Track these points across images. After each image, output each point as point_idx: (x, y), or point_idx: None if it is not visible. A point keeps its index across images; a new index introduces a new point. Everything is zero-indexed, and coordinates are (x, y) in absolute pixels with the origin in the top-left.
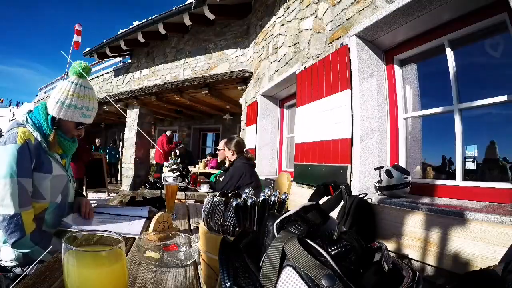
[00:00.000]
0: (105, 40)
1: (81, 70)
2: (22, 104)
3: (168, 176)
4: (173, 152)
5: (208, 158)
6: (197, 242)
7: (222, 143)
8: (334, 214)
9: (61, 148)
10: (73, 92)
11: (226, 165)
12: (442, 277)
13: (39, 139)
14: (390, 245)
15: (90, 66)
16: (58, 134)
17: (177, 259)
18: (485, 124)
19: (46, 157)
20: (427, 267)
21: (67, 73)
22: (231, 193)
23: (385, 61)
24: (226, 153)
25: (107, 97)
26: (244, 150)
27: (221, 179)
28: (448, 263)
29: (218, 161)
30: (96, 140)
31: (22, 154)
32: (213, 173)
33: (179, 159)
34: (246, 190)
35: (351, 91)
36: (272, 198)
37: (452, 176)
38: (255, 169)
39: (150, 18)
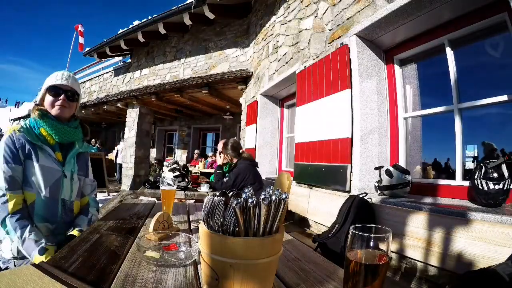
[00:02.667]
0: (105, 40)
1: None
2: (22, 103)
3: (167, 178)
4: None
5: (214, 158)
6: (197, 242)
7: (221, 145)
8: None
9: (55, 135)
10: (47, 78)
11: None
12: (444, 277)
13: (24, 131)
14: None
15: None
16: (45, 120)
17: (177, 259)
18: (485, 124)
19: (32, 147)
20: (429, 267)
21: None
22: (231, 193)
23: (385, 61)
24: (228, 158)
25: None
26: (241, 151)
27: (225, 179)
28: (450, 263)
29: (219, 163)
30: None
31: (10, 144)
32: (213, 173)
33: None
34: (246, 190)
35: (351, 90)
36: (273, 197)
37: (452, 176)
38: (258, 169)
39: (150, 17)
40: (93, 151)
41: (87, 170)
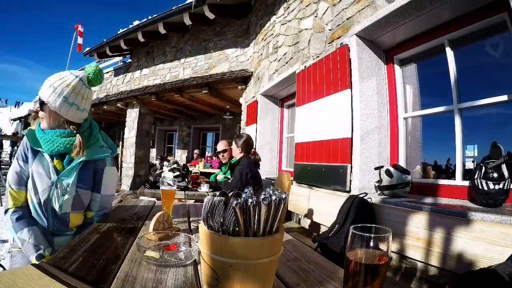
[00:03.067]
0: (105, 40)
1: (93, 73)
2: (22, 103)
3: (167, 178)
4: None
5: (214, 158)
6: (197, 242)
7: (222, 144)
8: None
9: (44, 144)
10: (71, 84)
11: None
12: (444, 277)
13: (27, 135)
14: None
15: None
16: (38, 128)
17: (177, 259)
18: (485, 124)
19: (34, 150)
20: (429, 267)
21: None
22: (231, 193)
23: (385, 61)
24: (233, 149)
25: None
26: (252, 150)
27: (221, 179)
28: (450, 263)
29: (223, 161)
30: None
31: (24, 142)
32: (213, 173)
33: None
34: (246, 190)
35: (351, 90)
36: (273, 197)
37: (452, 176)
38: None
39: (150, 17)
40: (107, 156)
41: (92, 182)
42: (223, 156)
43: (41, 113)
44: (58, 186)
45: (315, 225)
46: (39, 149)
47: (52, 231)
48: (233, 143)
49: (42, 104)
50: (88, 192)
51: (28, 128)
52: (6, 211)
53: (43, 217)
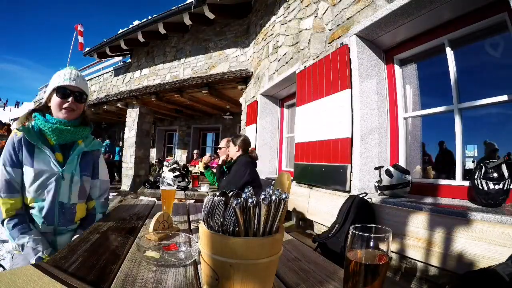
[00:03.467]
0: (105, 40)
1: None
2: (22, 103)
3: (167, 178)
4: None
5: (213, 158)
6: (197, 242)
7: (224, 141)
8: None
9: (51, 136)
10: (54, 75)
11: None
12: (444, 277)
13: (24, 131)
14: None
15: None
16: (43, 119)
17: (177, 259)
18: (485, 124)
19: (30, 149)
20: (429, 267)
21: None
22: (231, 193)
23: (385, 61)
24: (231, 149)
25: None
26: (250, 149)
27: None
28: (450, 263)
29: (219, 161)
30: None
31: (10, 146)
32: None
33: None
34: (246, 190)
35: (351, 90)
36: (273, 197)
37: (452, 176)
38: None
39: (150, 17)
40: (102, 148)
41: (94, 170)
42: (219, 150)
43: (78, 105)
44: (65, 177)
45: (315, 225)
46: (38, 143)
47: (57, 229)
48: (231, 143)
49: (84, 96)
50: (89, 179)
51: (21, 126)
52: (2, 222)
53: (50, 213)
